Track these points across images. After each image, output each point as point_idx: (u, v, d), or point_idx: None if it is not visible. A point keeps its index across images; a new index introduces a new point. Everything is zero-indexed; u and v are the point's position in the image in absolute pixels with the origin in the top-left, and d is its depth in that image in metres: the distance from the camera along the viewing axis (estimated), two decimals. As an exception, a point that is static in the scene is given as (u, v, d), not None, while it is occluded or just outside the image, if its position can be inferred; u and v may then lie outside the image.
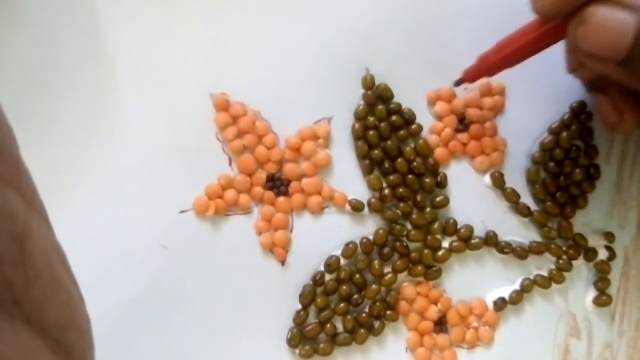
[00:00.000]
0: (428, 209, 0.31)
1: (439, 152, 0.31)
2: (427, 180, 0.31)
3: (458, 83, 0.30)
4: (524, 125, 0.32)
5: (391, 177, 0.31)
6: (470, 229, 0.32)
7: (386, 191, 0.31)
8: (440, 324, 0.32)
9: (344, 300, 0.31)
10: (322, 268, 0.31)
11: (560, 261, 0.32)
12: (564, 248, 0.32)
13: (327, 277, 0.31)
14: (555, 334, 0.32)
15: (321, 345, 0.31)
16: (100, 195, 0.29)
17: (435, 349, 0.32)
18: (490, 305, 0.32)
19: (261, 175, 0.30)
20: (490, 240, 0.32)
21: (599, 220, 0.33)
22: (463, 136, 0.31)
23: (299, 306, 0.31)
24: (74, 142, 0.29)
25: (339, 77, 0.31)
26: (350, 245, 0.31)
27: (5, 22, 0.28)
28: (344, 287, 0.30)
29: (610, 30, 0.23)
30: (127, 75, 0.29)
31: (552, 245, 0.32)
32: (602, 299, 0.32)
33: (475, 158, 0.32)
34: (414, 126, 0.31)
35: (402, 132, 0.31)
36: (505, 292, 0.32)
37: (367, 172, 0.31)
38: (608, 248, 0.32)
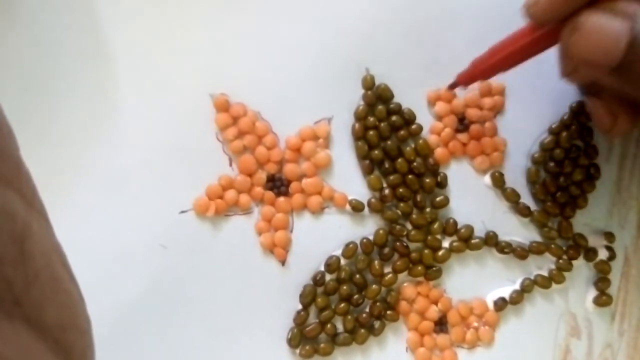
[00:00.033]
0: (428, 209, 0.31)
1: (439, 152, 0.31)
2: (427, 180, 0.31)
3: (452, 87, 0.30)
4: (524, 125, 0.32)
5: (391, 177, 0.31)
6: (470, 229, 0.32)
7: (386, 191, 0.31)
8: (441, 324, 0.32)
9: (345, 300, 0.31)
10: (322, 268, 0.31)
11: (561, 261, 0.32)
12: (564, 248, 0.32)
13: (328, 277, 0.31)
14: (556, 334, 0.32)
15: (321, 345, 0.31)
16: (100, 195, 0.29)
17: (435, 349, 0.32)
18: (491, 305, 0.32)
19: (261, 175, 0.30)
20: (491, 240, 0.32)
21: (599, 220, 0.33)
22: (463, 136, 0.31)
23: (300, 306, 0.31)
24: (74, 142, 0.29)
25: (339, 77, 0.31)
26: (351, 246, 0.31)
27: (5, 22, 0.29)
28: (345, 287, 0.30)
29: (603, 37, 0.23)
30: (127, 75, 0.29)
31: (553, 245, 0.32)
32: (603, 299, 0.32)
33: (475, 158, 0.32)
34: (414, 126, 0.31)
35: (402, 132, 0.31)
36: (506, 292, 0.32)
37: (367, 172, 0.31)
38: (608, 248, 0.32)
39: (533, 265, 0.32)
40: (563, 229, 0.32)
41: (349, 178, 0.31)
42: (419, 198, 0.31)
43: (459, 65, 0.29)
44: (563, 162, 0.32)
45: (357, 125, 0.31)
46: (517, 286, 0.32)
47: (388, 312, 0.31)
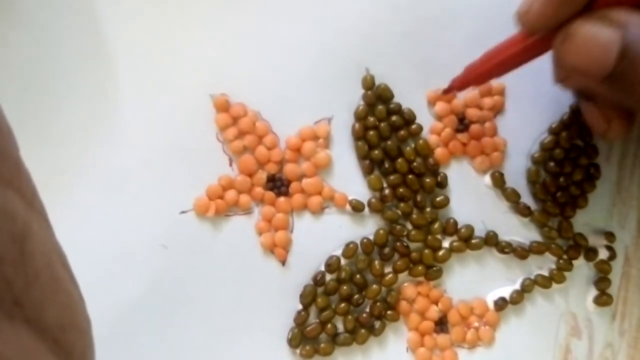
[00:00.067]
0: (428, 209, 0.31)
1: (439, 152, 0.31)
2: (428, 180, 0.31)
3: (446, 92, 0.30)
4: (524, 125, 0.32)
5: (391, 177, 0.31)
6: (470, 229, 0.32)
7: (386, 191, 0.31)
8: (441, 324, 0.32)
9: (345, 300, 0.31)
10: (322, 268, 0.31)
11: (561, 261, 0.32)
12: (565, 248, 0.32)
13: (328, 277, 0.31)
14: (556, 334, 0.32)
15: (322, 345, 0.31)
16: (100, 195, 0.29)
17: (436, 349, 0.32)
18: (491, 305, 0.32)
19: (262, 175, 0.30)
20: (491, 240, 0.32)
21: (600, 220, 0.33)
22: (463, 136, 0.31)
23: (300, 306, 0.31)
24: (74, 142, 0.29)
25: (339, 77, 0.31)
26: (351, 246, 0.31)
27: (5, 22, 0.29)
28: (345, 287, 0.30)
29: (595, 46, 0.23)
30: (127, 75, 0.29)
31: (553, 245, 0.32)
32: (603, 299, 0.32)
33: (475, 158, 0.32)
34: (414, 126, 0.31)
35: (402, 132, 0.31)
36: (506, 292, 0.32)
37: (367, 172, 0.31)
38: (608, 248, 0.32)
39: (533, 265, 0.32)
40: (563, 228, 0.32)
41: (349, 178, 0.31)
42: (419, 198, 0.31)
43: (459, 65, 0.29)
44: (563, 162, 0.32)
45: (357, 125, 0.31)
46: (517, 286, 0.32)
47: (388, 312, 0.31)
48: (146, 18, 0.30)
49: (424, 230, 0.31)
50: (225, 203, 0.30)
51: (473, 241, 0.31)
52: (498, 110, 0.32)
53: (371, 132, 0.31)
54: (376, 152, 0.31)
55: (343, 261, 0.31)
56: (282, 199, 0.31)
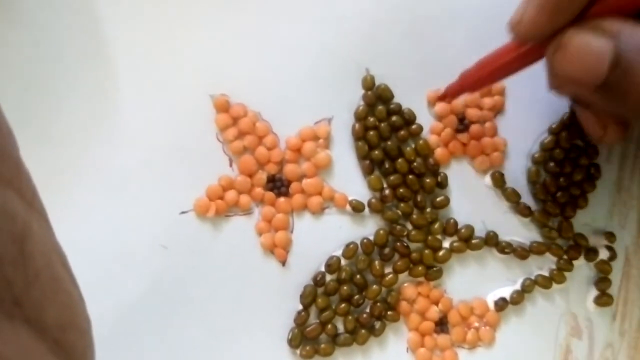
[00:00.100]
0: (428, 209, 0.31)
1: (439, 152, 0.31)
2: (428, 180, 0.31)
3: (441, 98, 0.30)
4: (524, 125, 0.32)
5: (391, 178, 0.31)
6: (470, 229, 0.32)
7: (387, 191, 0.31)
8: (441, 325, 0.32)
9: (345, 300, 0.31)
10: (322, 268, 0.31)
11: (561, 261, 0.32)
12: (565, 248, 0.32)
13: (328, 277, 0.31)
14: (557, 334, 0.32)
15: (322, 345, 0.31)
16: (100, 195, 0.29)
17: (436, 350, 0.32)
18: (491, 305, 0.32)
19: (262, 176, 0.30)
20: (491, 241, 0.32)
21: (600, 220, 0.33)
22: (463, 136, 0.31)
23: (300, 307, 0.31)
24: (74, 142, 0.29)
25: (339, 77, 0.31)
26: (351, 246, 0.31)
27: (5, 22, 0.28)
28: (345, 288, 0.30)
29: (587, 56, 0.23)
30: (127, 75, 0.29)
31: (553, 245, 0.32)
32: (603, 299, 0.32)
33: (475, 158, 0.32)
34: (414, 126, 0.31)
35: (402, 132, 0.31)
36: (506, 292, 0.32)
37: (367, 172, 0.31)
38: (609, 248, 0.32)
39: (534, 265, 0.32)
40: (563, 229, 0.32)
41: (349, 178, 0.31)
42: (419, 198, 0.31)
43: (459, 65, 0.29)
44: (563, 162, 0.32)
45: (357, 126, 0.31)
46: (517, 286, 0.32)
47: (389, 312, 0.31)
48: (146, 18, 0.30)
49: (424, 230, 0.31)
50: (225, 203, 0.30)
51: (473, 241, 0.31)
52: (498, 110, 0.32)
53: (371, 133, 0.31)
54: (376, 152, 0.31)
55: (343, 261, 0.31)
56: (282, 199, 0.31)
